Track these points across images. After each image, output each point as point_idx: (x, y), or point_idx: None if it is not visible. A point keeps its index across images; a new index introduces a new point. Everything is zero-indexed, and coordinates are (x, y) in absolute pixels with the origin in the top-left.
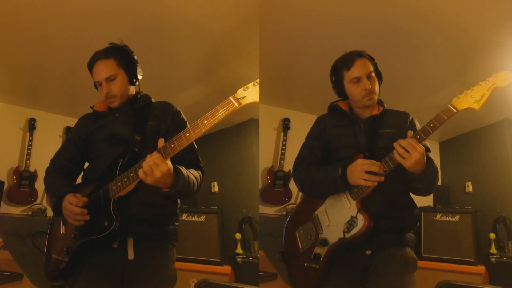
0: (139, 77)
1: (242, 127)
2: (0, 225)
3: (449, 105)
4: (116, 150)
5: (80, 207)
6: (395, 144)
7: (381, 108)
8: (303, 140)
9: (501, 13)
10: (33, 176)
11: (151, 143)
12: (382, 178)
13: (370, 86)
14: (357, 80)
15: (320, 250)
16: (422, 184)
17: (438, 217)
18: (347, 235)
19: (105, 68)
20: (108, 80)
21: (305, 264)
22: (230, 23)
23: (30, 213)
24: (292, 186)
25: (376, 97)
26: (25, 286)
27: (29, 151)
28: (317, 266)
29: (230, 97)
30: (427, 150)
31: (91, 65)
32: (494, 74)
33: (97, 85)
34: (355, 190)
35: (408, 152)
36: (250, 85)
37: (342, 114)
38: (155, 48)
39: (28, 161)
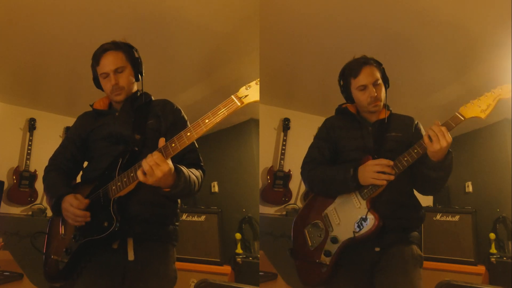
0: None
1: (242, 127)
2: (0, 225)
3: (456, 113)
4: (116, 149)
5: (82, 210)
6: (428, 129)
7: (388, 112)
8: (303, 140)
9: (501, 14)
10: (33, 176)
11: (151, 142)
12: (392, 177)
13: (376, 94)
14: (364, 87)
15: (330, 247)
16: (438, 173)
17: (438, 217)
18: (357, 234)
19: (114, 59)
20: (117, 71)
21: (317, 261)
22: (230, 23)
23: (30, 213)
24: (292, 186)
25: (381, 103)
26: (25, 286)
27: (29, 151)
28: (328, 263)
29: (232, 96)
30: None
31: (98, 56)
32: (499, 85)
33: (102, 77)
34: (365, 190)
35: (438, 138)
36: (253, 83)
37: (350, 117)
38: (155, 48)
39: (28, 161)
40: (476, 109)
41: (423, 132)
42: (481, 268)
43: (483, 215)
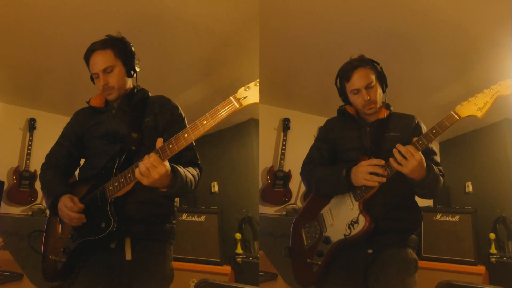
0: (137, 69)
1: (242, 127)
2: (0, 225)
3: (452, 112)
4: (113, 148)
5: (77, 212)
6: (394, 150)
7: (387, 112)
8: (303, 140)
9: (501, 13)
10: (33, 176)
11: (148, 140)
12: (384, 179)
13: (369, 97)
14: (357, 91)
15: (323, 248)
16: (422, 190)
17: (438, 217)
18: (348, 236)
19: (102, 59)
20: (105, 71)
21: (308, 260)
22: (230, 23)
23: (30, 213)
24: (292, 186)
25: (376, 106)
26: (25, 286)
27: (29, 151)
28: (319, 263)
29: (231, 97)
30: (433, 153)
31: (87, 56)
32: (498, 81)
33: (94, 77)
34: (358, 191)
35: (406, 159)
36: (252, 84)
37: (349, 118)
38: (155, 48)
39: (28, 161)
40: (472, 108)
41: (424, 130)
42: (481, 268)
43: (483, 215)
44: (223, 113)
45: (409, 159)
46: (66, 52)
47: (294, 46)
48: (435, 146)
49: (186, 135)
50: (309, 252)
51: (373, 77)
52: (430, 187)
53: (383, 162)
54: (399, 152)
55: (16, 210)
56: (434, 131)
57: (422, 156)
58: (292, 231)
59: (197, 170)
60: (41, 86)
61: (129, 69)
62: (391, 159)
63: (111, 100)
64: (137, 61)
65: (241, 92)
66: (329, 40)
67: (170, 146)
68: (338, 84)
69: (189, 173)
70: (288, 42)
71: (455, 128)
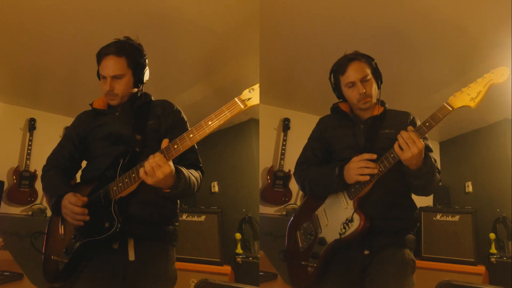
0: (146, 78)
1: (242, 127)
2: (0, 225)
3: (445, 104)
4: (116, 150)
5: (80, 207)
6: (398, 136)
7: (381, 109)
8: (303, 140)
9: (501, 13)
10: (33, 176)
11: (151, 143)
12: (376, 171)
13: (365, 90)
14: (352, 84)
15: (318, 249)
16: (418, 181)
17: (438, 217)
18: (343, 235)
19: (114, 65)
20: (115, 77)
21: (303, 263)
22: (230, 23)
23: (30, 213)
24: (292, 186)
25: (372, 100)
26: (25, 286)
27: (29, 151)
28: (315, 265)
29: (236, 99)
30: (429, 150)
31: (100, 57)
32: (492, 69)
33: (101, 77)
34: (352, 189)
35: (407, 145)
36: (256, 86)
37: (343, 115)
38: (155, 48)
39: (28, 161)
40: (465, 98)
41: None
42: (481, 268)
43: (483, 215)
44: (227, 113)
45: (411, 146)
46: (66, 53)
47: (294, 46)
48: (435, 145)
49: (191, 135)
50: (304, 254)
51: (368, 70)
52: (426, 178)
53: (374, 156)
54: (402, 137)
55: (16, 210)
56: (427, 123)
57: (424, 145)
58: (287, 234)
59: (199, 172)
60: (41, 86)
61: (137, 80)
62: (395, 144)
63: (112, 105)
64: (147, 72)
65: (245, 94)
66: (329, 40)
67: (175, 146)
68: (332, 79)
69: (192, 175)
70: (288, 42)
71: (455, 128)
